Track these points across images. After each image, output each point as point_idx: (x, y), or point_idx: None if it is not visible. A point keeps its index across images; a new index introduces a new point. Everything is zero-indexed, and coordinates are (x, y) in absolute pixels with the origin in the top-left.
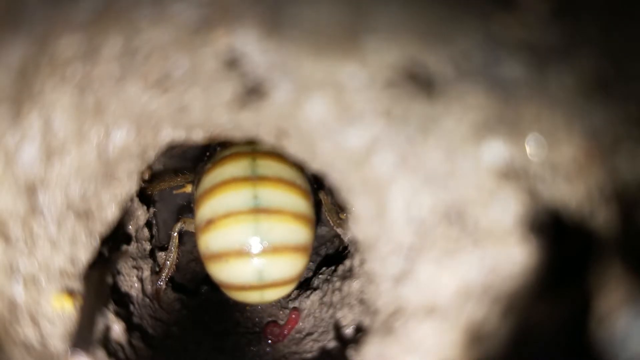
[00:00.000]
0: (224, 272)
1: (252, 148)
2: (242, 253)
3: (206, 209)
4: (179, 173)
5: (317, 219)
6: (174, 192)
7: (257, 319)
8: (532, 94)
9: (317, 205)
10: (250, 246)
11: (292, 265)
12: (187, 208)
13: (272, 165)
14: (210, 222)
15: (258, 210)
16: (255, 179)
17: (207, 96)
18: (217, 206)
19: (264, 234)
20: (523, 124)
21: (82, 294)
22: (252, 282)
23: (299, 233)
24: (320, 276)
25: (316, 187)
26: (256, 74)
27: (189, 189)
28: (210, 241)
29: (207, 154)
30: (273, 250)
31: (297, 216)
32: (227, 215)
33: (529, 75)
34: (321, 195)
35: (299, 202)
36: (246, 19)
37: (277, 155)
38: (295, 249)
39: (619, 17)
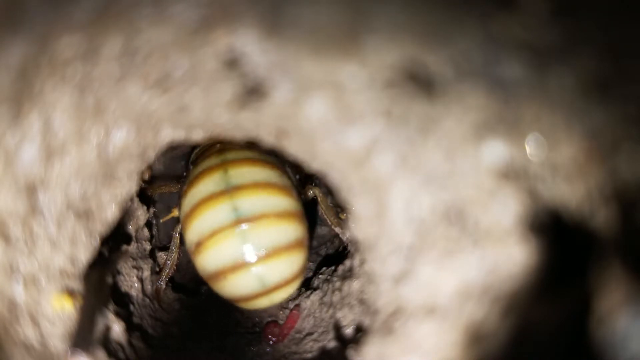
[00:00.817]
0: (227, 288)
1: (221, 159)
2: (237, 267)
3: (192, 232)
4: (178, 179)
5: (305, 209)
6: (161, 220)
7: (257, 319)
8: (532, 94)
9: (314, 203)
10: (244, 258)
11: (291, 264)
12: None
13: (244, 172)
14: (199, 245)
15: (241, 222)
16: (231, 190)
17: (207, 96)
18: (200, 227)
19: (253, 242)
20: (523, 124)
21: (82, 294)
22: (257, 291)
23: (289, 231)
24: (320, 276)
25: (311, 183)
26: (256, 74)
27: (175, 213)
28: (204, 263)
29: (184, 173)
30: (267, 256)
31: (282, 215)
32: (213, 234)
33: (529, 75)
34: (318, 195)
35: (279, 201)
36: (246, 19)
37: (247, 158)
38: (289, 247)
39: (619, 17)
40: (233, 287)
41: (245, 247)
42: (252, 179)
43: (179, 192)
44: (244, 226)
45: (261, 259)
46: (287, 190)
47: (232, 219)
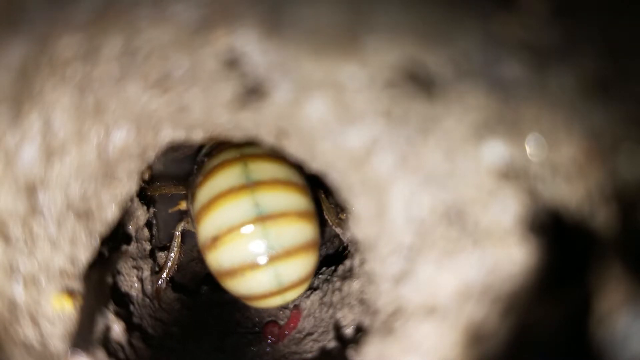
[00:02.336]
0: (243, 286)
1: (240, 152)
2: (256, 265)
3: (208, 226)
4: (177, 183)
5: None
6: (170, 211)
7: (257, 319)
8: (532, 94)
9: (317, 203)
10: (264, 256)
11: (306, 264)
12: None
13: (265, 167)
14: (216, 240)
15: (263, 218)
16: (251, 185)
17: (207, 96)
18: (219, 221)
19: (274, 240)
20: (523, 124)
21: (82, 294)
22: (273, 289)
23: (306, 230)
24: (320, 276)
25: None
26: (256, 74)
27: (183, 205)
28: (220, 259)
29: (196, 166)
30: (286, 254)
31: (301, 214)
32: (232, 229)
33: (529, 75)
34: (320, 195)
35: (299, 200)
36: (246, 19)
37: (265, 154)
38: (306, 246)
39: (619, 17)
40: (250, 285)
41: (265, 245)
42: (273, 176)
43: (192, 183)
44: (266, 223)
45: (280, 257)
46: (305, 191)
47: (254, 215)
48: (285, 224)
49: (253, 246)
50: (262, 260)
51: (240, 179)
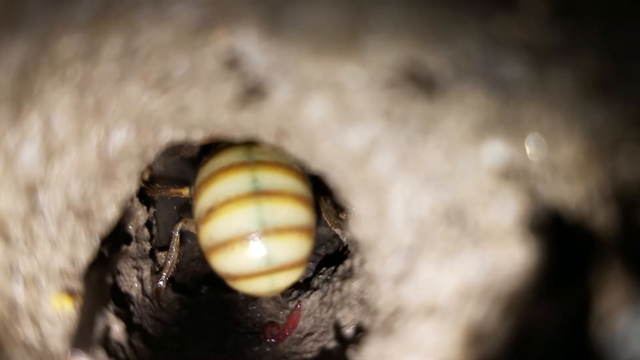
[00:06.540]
0: (230, 262)
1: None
2: (247, 238)
3: (206, 198)
4: (178, 184)
5: (316, 207)
6: (171, 195)
7: (257, 319)
8: (532, 94)
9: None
10: (255, 230)
11: (298, 247)
12: (188, 207)
13: (267, 151)
14: (211, 211)
15: (258, 193)
16: (252, 163)
17: (207, 96)
18: (216, 193)
19: (267, 216)
20: (523, 124)
21: (82, 294)
22: (261, 268)
23: (301, 214)
24: (320, 276)
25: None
26: (256, 74)
27: (185, 192)
28: (212, 230)
29: (203, 157)
30: (278, 232)
31: (298, 197)
32: (228, 201)
33: (529, 75)
34: (318, 197)
35: (298, 184)
36: (246, 19)
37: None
38: (300, 229)
39: (619, 17)
40: (238, 260)
41: (258, 219)
42: (275, 158)
43: (198, 165)
44: (261, 198)
45: (271, 234)
46: (305, 179)
47: (250, 189)
48: (281, 202)
49: (245, 219)
50: (252, 234)
51: (242, 156)
